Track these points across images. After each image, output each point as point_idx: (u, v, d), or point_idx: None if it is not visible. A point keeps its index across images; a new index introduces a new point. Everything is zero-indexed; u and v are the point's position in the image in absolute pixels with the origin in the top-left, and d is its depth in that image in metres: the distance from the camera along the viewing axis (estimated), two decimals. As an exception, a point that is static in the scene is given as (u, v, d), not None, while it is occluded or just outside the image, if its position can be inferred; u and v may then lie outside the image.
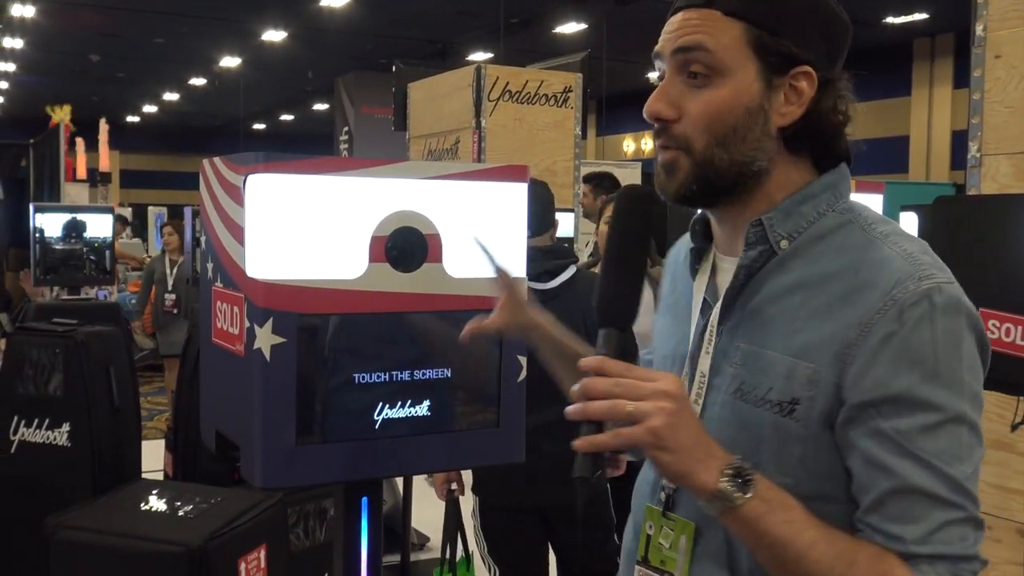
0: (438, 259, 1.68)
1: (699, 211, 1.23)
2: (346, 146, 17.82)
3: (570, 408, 1.00)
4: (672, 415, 0.98)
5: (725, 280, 1.17)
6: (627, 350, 1.09)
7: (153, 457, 4.15)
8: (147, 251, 12.76)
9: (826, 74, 1.11)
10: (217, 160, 1.73)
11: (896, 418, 1.01)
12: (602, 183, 6.22)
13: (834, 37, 1.13)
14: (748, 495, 0.99)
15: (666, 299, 1.35)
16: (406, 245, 1.65)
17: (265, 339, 1.54)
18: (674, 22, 1.14)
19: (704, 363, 1.16)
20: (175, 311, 7.19)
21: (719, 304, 1.16)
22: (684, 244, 1.29)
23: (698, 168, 1.11)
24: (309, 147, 27.88)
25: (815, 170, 1.15)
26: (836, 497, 1.06)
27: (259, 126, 29.96)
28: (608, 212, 6.00)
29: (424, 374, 1.67)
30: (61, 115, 10.80)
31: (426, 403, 1.68)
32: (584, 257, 6.23)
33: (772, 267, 1.12)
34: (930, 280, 1.03)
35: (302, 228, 1.57)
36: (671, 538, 1.17)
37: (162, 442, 4.16)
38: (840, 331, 1.04)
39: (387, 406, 1.64)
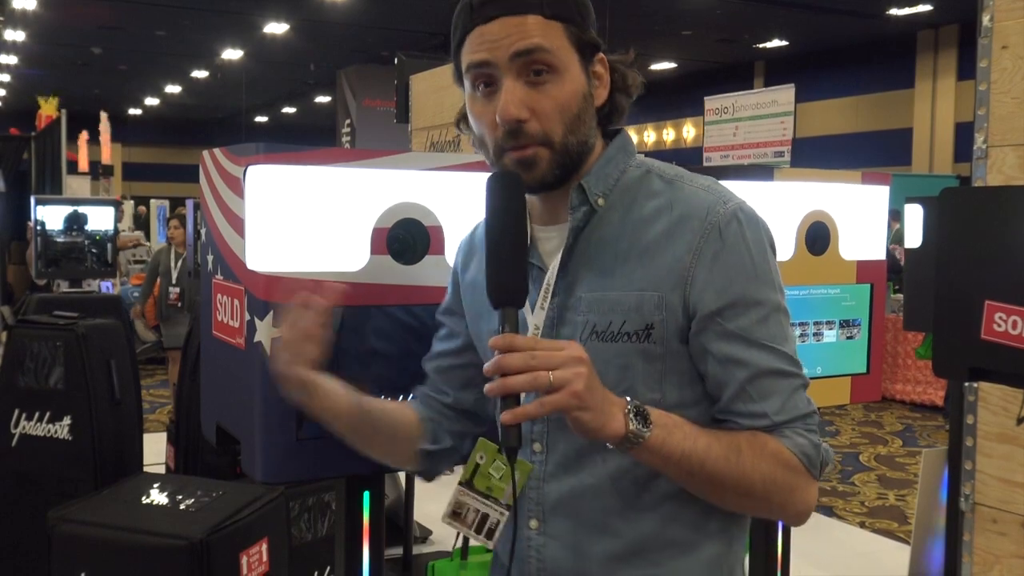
0: (440, 251, 1.66)
1: None
2: (348, 139, 17.79)
3: (489, 385, 1.08)
4: (587, 378, 1.09)
5: (549, 248, 1.30)
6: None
7: (155, 450, 4.15)
8: (148, 242, 12.74)
9: (610, 58, 1.30)
10: (217, 151, 1.72)
11: (737, 319, 1.21)
12: None
13: (593, 19, 1.29)
14: (651, 427, 1.14)
15: (469, 278, 1.42)
16: (408, 237, 1.64)
17: (265, 332, 1.53)
18: (494, 31, 1.21)
19: (538, 317, 1.27)
20: (179, 304, 7.19)
21: (555, 264, 1.27)
22: (480, 228, 1.39)
23: (559, 156, 1.23)
24: (311, 140, 27.83)
25: (604, 138, 1.32)
26: (696, 402, 1.25)
27: (261, 119, 29.92)
28: None
29: (415, 367, 1.66)
30: (50, 107, 10.78)
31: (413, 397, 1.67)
32: None
33: (593, 224, 1.27)
34: (731, 202, 1.25)
35: (303, 220, 1.56)
36: (503, 471, 1.30)
37: (164, 435, 4.16)
38: (675, 259, 1.22)
39: (389, 399, 1.63)
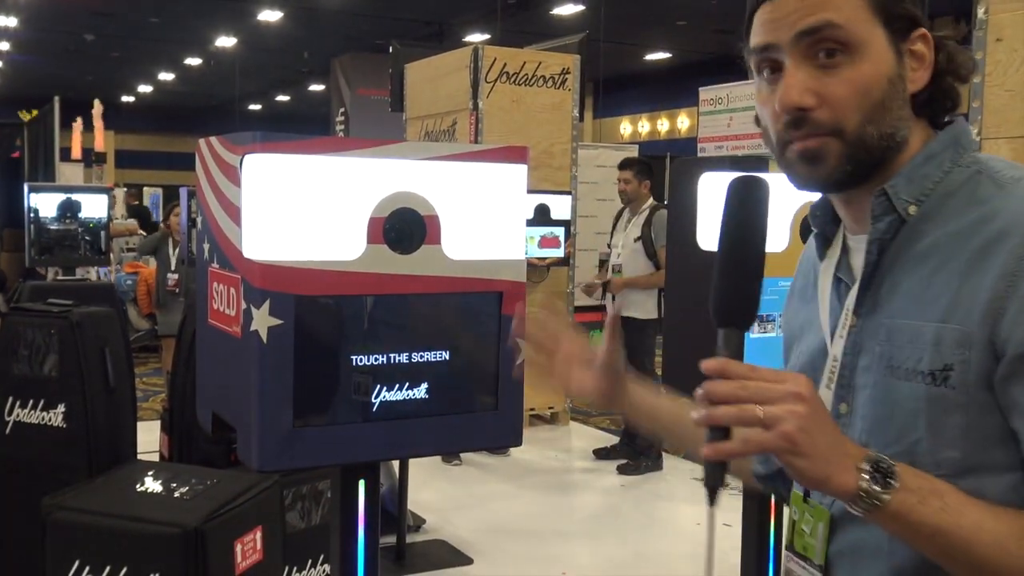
0: (437, 240, 1.67)
1: (819, 196, 1.18)
2: (342, 127, 17.75)
3: (695, 415, 0.95)
4: (805, 418, 0.93)
5: (859, 259, 1.11)
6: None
7: (149, 439, 4.14)
8: (143, 230, 12.71)
9: (935, 33, 1.09)
10: (213, 140, 1.72)
11: None
12: (643, 168, 6.18)
13: None
14: (893, 489, 0.94)
15: (795, 286, 1.30)
16: (404, 226, 1.64)
17: (262, 321, 1.53)
18: (780, 7, 1.07)
19: (837, 347, 1.10)
20: (176, 291, 7.18)
21: (856, 285, 1.10)
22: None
23: (851, 149, 1.05)
24: (305, 128, 27.75)
25: (931, 129, 1.10)
26: (1010, 465, 0.99)
27: (255, 107, 29.83)
28: None
29: (422, 356, 1.67)
30: (28, 119, 10.77)
31: (424, 386, 1.68)
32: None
33: (905, 235, 1.06)
34: None
35: (300, 209, 1.56)
36: (811, 524, 1.13)
37: (158, 423, 4.15)
38: (985, 285, 0.98)
39: (385, 388, 1.63)
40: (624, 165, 6.23)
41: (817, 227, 1.19)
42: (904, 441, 1.01)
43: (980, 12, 2.44)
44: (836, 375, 1.10)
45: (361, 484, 1.77)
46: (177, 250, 7.29)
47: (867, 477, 0.93)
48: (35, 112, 10.71)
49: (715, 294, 1.02)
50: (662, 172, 11.75)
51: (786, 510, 1.16)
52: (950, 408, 0.99)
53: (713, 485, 0.97)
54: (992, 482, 0.98)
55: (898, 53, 1.06)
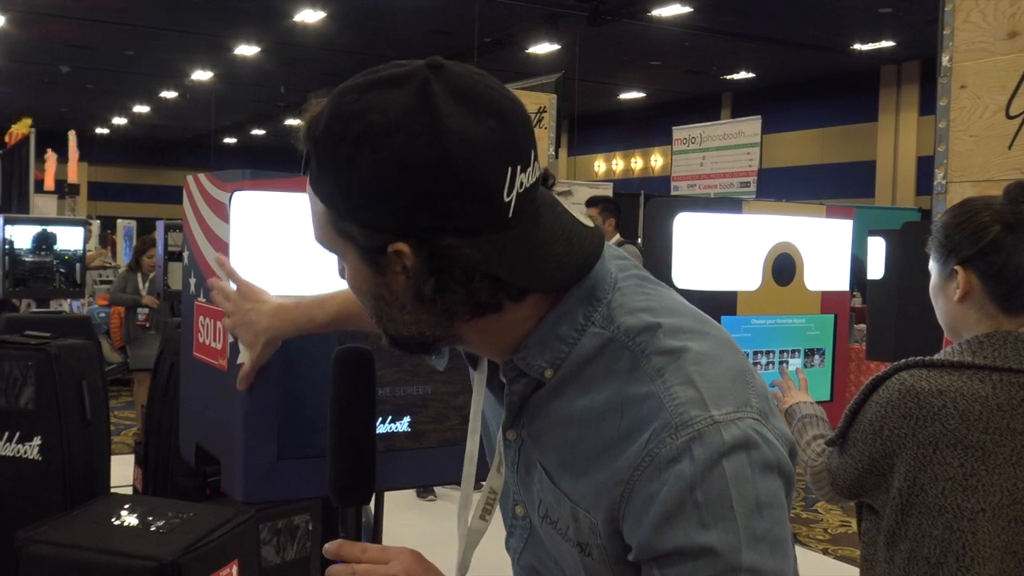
0: (420, 277, 1.70)
1: None
2: (318, 162, 17.77)
3: None
4: None
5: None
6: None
7: (122, 472, 4.12)
8: (115, 262, 12.65)
9: (438, 237, 0.90)
10: (202, 176, 1.75)
11: (668, 569, 0.90)
12: (609, 206, 6.32)
13: (431, 192, 0.89)
14: None
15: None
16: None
17: (248, 355, 1.56)
18: None
19: (495, 480, 1.07)
20: (147, 325, 7.16)
21: (500, 449, 1.06)
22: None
23: (390, 341, 1.01)
24: (280, 162, 27.74)
25: (551, 295, 0.98)
26: None
27: (230, 140, 29.83)
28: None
29: (405, 391, 1.69)
30: (23, 126, 10.72)
31: (406, 419, 1.71)
32: None
33: (544, 394, 1.00)
34: (689, 428, 0.89)
35: (287, 245, 1.59)
36: None
37: (130, 457, 4.13)
38: (607, 486, 0.94)
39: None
40: (590, 203, 6.40)
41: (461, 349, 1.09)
42: None
43: (945, 60, 2.53)
44: (493, 508, 1.11)
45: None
46: (147, 284, 7.28)
47: None
48: (27, 121, 10.64)
49: (332, 474, 1.07)
50: (636, 209, 11.87)
51: None
52: (596, 569, 0.99)
53: None
54: None
55: (376, 266, 0.94)
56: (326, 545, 1.06)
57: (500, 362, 1.03)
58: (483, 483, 1.09)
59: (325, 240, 0.98)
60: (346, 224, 0.93)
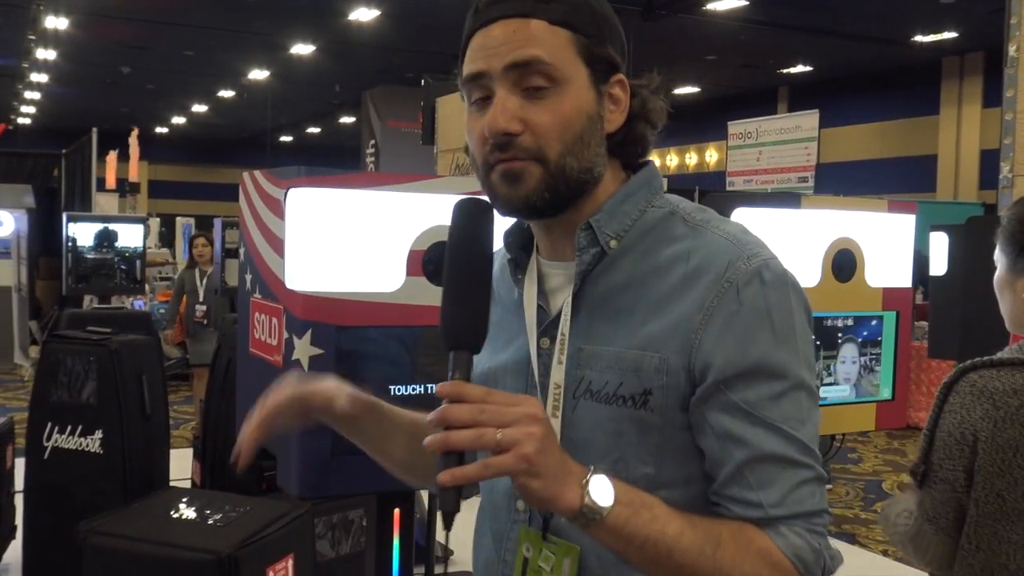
0: (474, 274, 1.69)
1: (514, 221, 1.21)
2: (372, 159, 17.91)
3: (429, 439, 0.94)
4: (541, 440, 0.95)
5: (556, 286, 1.17)
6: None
7: (180, 465, 4.18)
8: (175, 260, 12.87)
9: (632, 81, 1.17)
10: (257, 173, 1.76)
11: (745, 390, 1.04)
12: None
13: (623, 43, 1.17)
14: (611, 505, 0.98)
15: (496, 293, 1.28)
16: (443, 259, 1.67)
17: (304, 350, 1.57)
18: (494, 37, 1.10)
19: (558, 374, 1.13)
20: (205, 321, 7.26)
21: (566, 311, 1.14)
22: (499, 255, 1.24)
23: (551, 178, 1.10)
24: (335, 160, 28.00)
25: (623, 171, 1.18)
26: (695, 480, 1.09)
27: (286, 138, 30.17)
28: None
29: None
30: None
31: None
32: None
33: (603, 267, 1.13)
34: (757, 258, 1.08)
35: (341, 241, 1.60)
36: (552, 561, 1.12)
37: (188, 451, 4.18)
38: (683, 317, 1.07)
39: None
40: None
41: (512, 253, 1.22)
42: (607, 460, 1.07)
43: (1012, 50, 2.46)
44: (561, 401, 1.13)
45: (396, 513, 1.79)
46: (204, 281, 7.38)
47: (590, 494, 0.97)
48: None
49: (443, 317, 1.02)
50: (690, 206, 11.77)
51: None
52: (648, 429, 1.08)
53: (451, 511, 0.97)
54: (681, 494, 1.07)
55: (598, 94, 1.12)
56: (440, 385, 0.96)
57: (569, 236, 1.14)
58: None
59: (559, 63, 1.09)
60: (603, 49, 1.12)
